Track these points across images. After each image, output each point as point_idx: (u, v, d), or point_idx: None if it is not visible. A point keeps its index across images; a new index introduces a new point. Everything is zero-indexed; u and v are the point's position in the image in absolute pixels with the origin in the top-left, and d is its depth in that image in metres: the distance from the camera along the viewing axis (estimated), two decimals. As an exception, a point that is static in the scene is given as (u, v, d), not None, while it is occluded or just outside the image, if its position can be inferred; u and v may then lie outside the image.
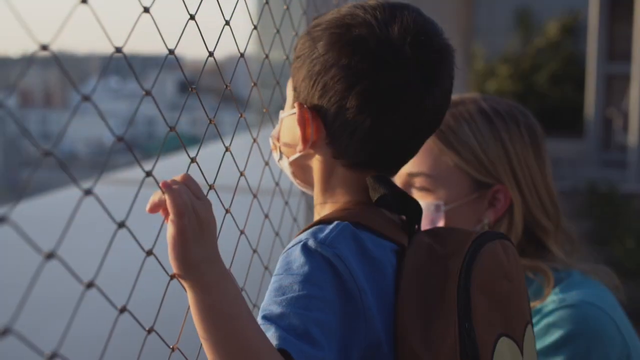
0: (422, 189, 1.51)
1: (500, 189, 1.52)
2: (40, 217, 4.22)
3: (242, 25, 1.48)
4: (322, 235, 1.02)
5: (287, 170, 1.18)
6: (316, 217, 1.15)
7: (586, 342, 1.42)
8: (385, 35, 1.05)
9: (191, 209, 0.92)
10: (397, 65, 1.04)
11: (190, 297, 0.94)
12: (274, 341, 0.93)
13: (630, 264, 5.72)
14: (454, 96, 1.55)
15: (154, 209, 0.95)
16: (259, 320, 0.97)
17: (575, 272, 1.53)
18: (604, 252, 6.15)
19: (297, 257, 1.00)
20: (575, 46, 13.80)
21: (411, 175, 1.52)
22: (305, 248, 1.00)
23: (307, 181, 1.17)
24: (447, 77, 1.11)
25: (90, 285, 0.78)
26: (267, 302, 0.98)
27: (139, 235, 0.97)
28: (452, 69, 1.12)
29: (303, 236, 1.03)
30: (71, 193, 5.64)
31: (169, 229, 0.91)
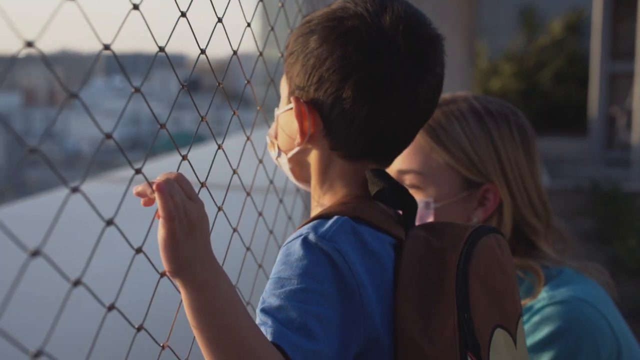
0: (412, 186, 1.52)
1: (490, 189, 1.52)
2: (42, 215, 4.22)
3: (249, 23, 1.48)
4: (322, 229, 1.02)
5: (285, 167, 1.19)
6: (314, 210, 1.16)
7: (576, 338, 1.42)
8: (377, 26, 1.07)
9: (182, 211, 0.93)
10: (390, 54, 1.06)
11: (183, 296, 0.95)
12: (269, 335, 0.93)
13: (632, 262, 5.71)
14: (446, 94, 1.55)
15: (141, 195, 0.96)
16: (258, 312, 0.98)
17: (566, 269, 1.53)
18: (607, 251, 6.15)
19: (297, 251, 1.00)
20: (579, 44, 13.78)
21: (401, 172, 1.52)
22: (305, 242, 1.01)
23: (305, 178, 1.18)
24: (439, 65, 1.12)
25: (77, 282, 0.78)
26: (267, 294, 0.99)
27: (136, 233, 0.97)
28: (443, 57, 1.13)
29: (304, 230, 1.04)
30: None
31: (160, 232, 0.92)
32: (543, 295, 1.47)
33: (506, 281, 1.12)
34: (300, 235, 1.03)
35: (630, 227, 6.65)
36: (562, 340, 1.41)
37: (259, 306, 0.99)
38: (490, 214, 1.53)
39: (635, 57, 9.56)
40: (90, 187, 6.15)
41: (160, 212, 0.92)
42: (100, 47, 0.86)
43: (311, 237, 1.01)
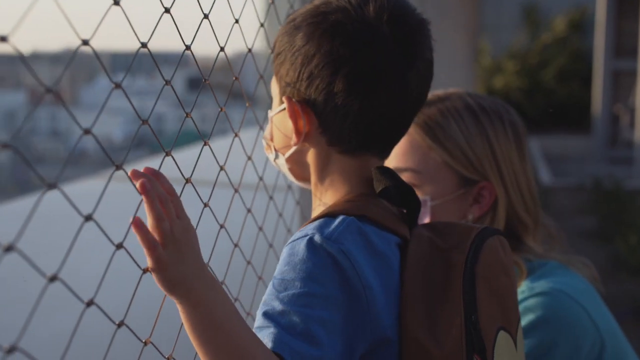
0: (409, 184, 1.51)
1: (486, 186, 1.52)
2: (44, 213, 4.22)
3: (254, 21, 1.48)
4: (328, 230, 1.02)
5: (284, 168, 1.18)
6: (316, 208, 1.15)
7: (554, 330, 1.42)
8: (362, 17, 1.06)
9: (170, 238, 0.92)
10: (377, 45, 1.06)
11: (180, 312, 0.95)
12: (270, 341, 0.93)
13: (634, 261, 5.70)
14: (439, 91, 1.55)
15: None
16: (260, 315, 0.97)
17: (549, 262, 1.54)
18: (609, 249, 6.13)
19: (302, 252, 1.00)
20: (582, 42, 13.78)
21: (398, 170, 1.52)
22: (310, 243, 1.00)
23: (306, 177, 1.17)
24: (427, 50, 1.12)
25: (53, 278, 0.77)
26: (270, 297, 0.98)
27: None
28: (430, 42, 1.13)
29: (309, 230, 1.03)
30: (77, 188, 5.66)
31: (147, 259, 0.92)
32: (523, 288, 1.47)
33: (509, 283, 1.12)
34: (306, 235, 1.02)
35: (632, 225, 6.63)
36: (538, 331, 1.41)
37: (261, 308, 0.98)
38: (486, 211, 1.54)
39: (638, 55, 9.54)
40: (92, 184, 6.16)
41: (141, 244, 0.91)
42: (106, 45, 0.86)
43: (317, 238, 1.00)
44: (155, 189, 0.94)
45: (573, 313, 1.43)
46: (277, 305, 0.96)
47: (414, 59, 1.08)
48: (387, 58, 1.06)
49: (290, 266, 0.99)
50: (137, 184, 0.92)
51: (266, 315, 0.96)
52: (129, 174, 0.93)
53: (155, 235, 0.91)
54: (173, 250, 0.92)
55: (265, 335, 0.94)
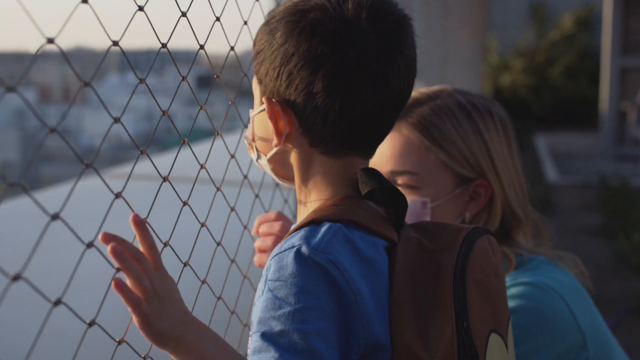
0: (407, 186, 1.50)
1: (481, 183, 1.52)
2: (48, 209, 4.21)
3: (255, 20, 1.47)
4: (315, 240, 1.00)
5: (267, 169, 1.16)
6: (300, 210, 1.13)
7: (534, 319, 1.40)
8: (340, 14, 1.04)
9: (152, 294, 0.97)
10: (357, 42, 1.03)
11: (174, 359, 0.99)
12: None
13: (636, 258, 5.67)
14: (424, 88, 1.54)
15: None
16: (258, 337, 0.96)
17: (537, 257, 1.53)
18: (614, 247, 6.10)
19: (291, 265, 0.98)
20: (589, 39, 13.74)
21: (395, 173, 1.51)
22: (298, 255, 0.99)
23: (289, 177, 1.15)
24: (409, 46, 1.09)
25: (16, 277, 0.77)
26: (265, 316, 0.97)
27: (124, 229, 0.98)
28: (413, 38, 1.11)
29: (296, 240, 1.01)
30: (78, 186, 5.66)
31: (132, 316, 0.96)
32: (507, 279, 1.46)
33: (499, 284, 1.11)
34: (292, 247, 1.00)
35: (636, 222, 6.60)
36: (517, 317, 1.40)
37: (258, 328, 0.97)
38: (482, 208, 1.53)
39: (646, 51, 9.49)
40: (95, 182, 6.16)
41: (126, 303, 0.95)
42: (123, 44, 0.86)
43: (304, 249, 0.99)
44: (128, 249, 0.98)
45: (554, 306, 1.42)
46: (275, 325, 0.96)
47: (396, 56, 1.06)
48: (366, 55, 1.04)
49: (282, 281, 0.98)
50: (108, 249, 0.96)
51: (264, 336, 0.96)
52: (100, 238, 0.96)
53: (137, 293, 0.96)
54: (157, 305, 0.97)
55: (266, 357, 0.94)
